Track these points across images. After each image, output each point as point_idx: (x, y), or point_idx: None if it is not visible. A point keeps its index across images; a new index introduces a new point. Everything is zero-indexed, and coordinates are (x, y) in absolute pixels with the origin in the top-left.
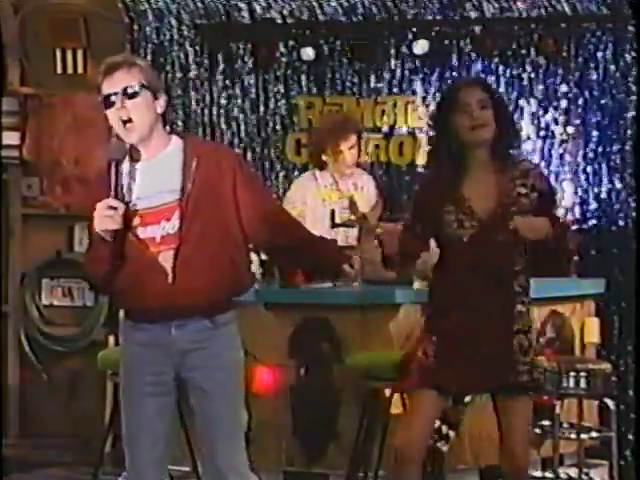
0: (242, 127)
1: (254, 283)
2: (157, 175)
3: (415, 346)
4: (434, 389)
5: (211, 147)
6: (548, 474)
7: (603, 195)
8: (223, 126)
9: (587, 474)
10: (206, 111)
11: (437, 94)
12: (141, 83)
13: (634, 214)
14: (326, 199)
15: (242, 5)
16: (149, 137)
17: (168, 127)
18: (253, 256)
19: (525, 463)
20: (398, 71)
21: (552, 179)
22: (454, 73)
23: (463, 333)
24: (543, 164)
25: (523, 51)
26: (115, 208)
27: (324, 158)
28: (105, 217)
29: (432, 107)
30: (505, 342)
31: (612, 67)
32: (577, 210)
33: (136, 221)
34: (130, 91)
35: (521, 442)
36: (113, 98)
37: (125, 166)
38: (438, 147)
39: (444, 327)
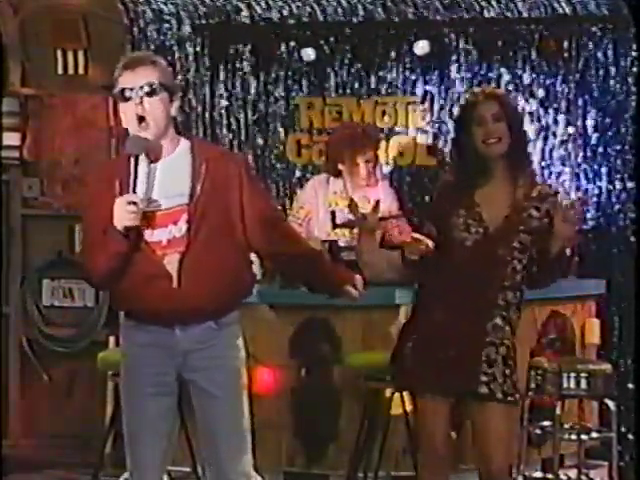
0: (242, 128)
1: (255, 284)
2: (166, 177)
3: (397, 343)
4: (409, 390)
5: (219, 151)
6: (548, 475)
7: (603, 196)
8: (223, 127)
9: (587, 475)
10: (206, 112)
11: (437, 95)
12: (161, 82)
13: (634, 215)
14: (332, 205)
15: (242, 6)
16: (161, 138)
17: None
18: (254, 257)
19: (498, 467)
20: (399, 72)
21: (552, 180)
22: (455, 74)
23: (440, 334)
24: (543, 164)
25: (524, 52)
26: (135, 203)
27: (340, 167)
28: (127, 213)
29: (432, 109)
30: (474, 351)
31: (612, 68)
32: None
33: (143, 223)
34: (149, 89)
35: (494, 445)
36: (130, 93)
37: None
38: (456, 156)
39: (424, 326)
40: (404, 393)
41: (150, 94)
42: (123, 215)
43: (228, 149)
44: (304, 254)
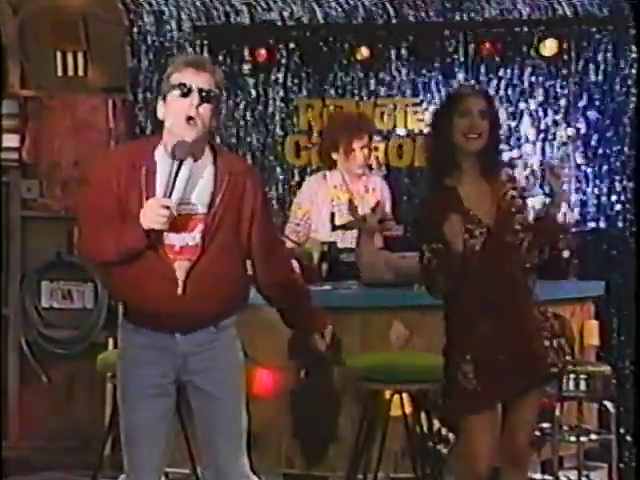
0: (241, 129)
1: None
2: (188, 184)
3: (452, 370)
4: (482, 412)
5: (242, 166)
6: (548, 477)
7: (603, 197)
8: (223, 128)
9: (587, 477)
10: None
11: (437, 96)
12: (218, 93)
13: (634, 216)
14: (335, 199)
15: (242, 7)
16: (197, 146)
17: None
18: None
19: (529, 455)
20: (398, 73)
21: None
22: (454, 76)
23: (494, 343)
24: (543, 166)
25: (524, 53)
26: (169, 208)
27: (334, 157)
28: (158, 216)
29: (432, 110)
30: (531, 340)
31: (612, 69)
32: (576, 212)
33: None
34: (208, 94)
35: (528, 435)
36: (188, 91)
37: (167, 168)
38: (433, 149)
39: (475, 342)
40: (404, 395)
41: (208, 100)
42: (154, 217)
43: (251, 164)
44: (292, 287)
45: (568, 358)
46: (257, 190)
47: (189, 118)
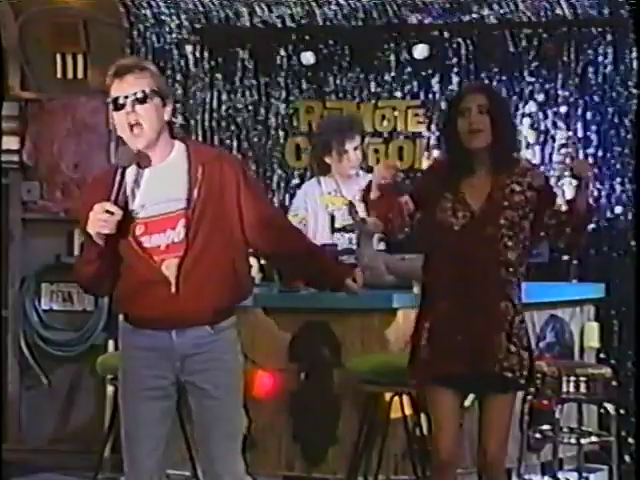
0: (242, 131)
1: (253, 288)
2: (162, 182)
3: (411, 337)
4: (433, 381)
5: (214, 153)
6: (548, 479)
7: (603, 199)
8: (223, 130)
9: (587, 479)
10: (206, 115)
11: (437, 99)
12: (152, 88)
13: (634, 218)
14: (329, 205)
15: (242, 9)
16: (155, 143)
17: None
18: (253, 260)
19: (496, 461)
20: (398, 75)
21: (552, 183)
22: (454, 78)
23: (453, 320)
24: (543, 168)
25: (524, 55)
26: (112, 213)
27: (327, 160)
28: (100, 220)
29: (432, 111)
30: (489, 335)
31: (612, 71)
32: None
33: (140, 229)
34: (141, 96)
35: (496, 440)
36: (123, 101)
37: (130, 172)
38: (443, 146)
39: (435, 314)
40: (404, 397)
41: (142, 101)
42: (95, 222)
43: (224, 150)
44: (303, 251)
45: (537, 378)
46: (236, 172)
47: (132, 126)
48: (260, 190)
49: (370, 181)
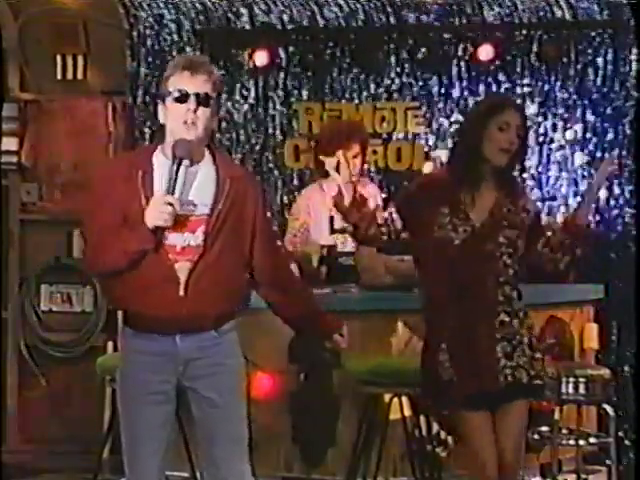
0: (241, 132)
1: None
2: (191, 184)
3: (426, 360)
4: (464, 403)
5: (241, 171)
6: None
7: (602, 201)
8: (223, 131)
9: None
10: None
11: (436, 100)
12: (215, 94)
13: (633, 220)
14: (333, 209)
15: (242, 10)
16: (197, 147)
17: None
18: None
19: (513, 472)
20: (397, 77)
21: (550, 185)
22: (454, 79)
23: (462, 337)
24: (542, 170)
25: (523, 57)
26: (172, 205)
27: (328, 167)
28: (161, 213)
29: (432, 112)
30: (488, 349)
31: (611, 73)
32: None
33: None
34: (205, 98)
35: (512, 449)
36: (186, 97)
37: (166, 166)
38: (459, 155)
39: (450, 332)
40: (403, 398)
41: (205, 103)
42: (157, 214)
43: (249, 170)
44: (300, 288)
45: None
46: (258, 197)
47: (186, 123)
48: (270, 219)
49: (339, 187)
